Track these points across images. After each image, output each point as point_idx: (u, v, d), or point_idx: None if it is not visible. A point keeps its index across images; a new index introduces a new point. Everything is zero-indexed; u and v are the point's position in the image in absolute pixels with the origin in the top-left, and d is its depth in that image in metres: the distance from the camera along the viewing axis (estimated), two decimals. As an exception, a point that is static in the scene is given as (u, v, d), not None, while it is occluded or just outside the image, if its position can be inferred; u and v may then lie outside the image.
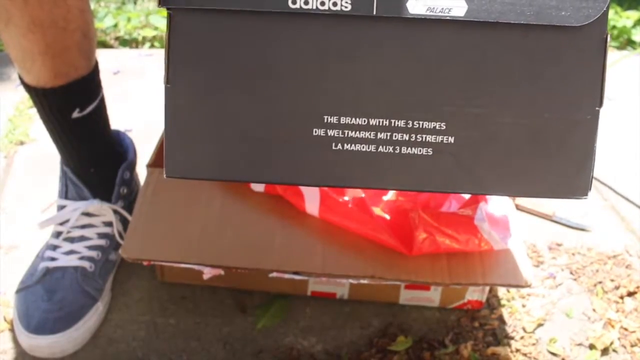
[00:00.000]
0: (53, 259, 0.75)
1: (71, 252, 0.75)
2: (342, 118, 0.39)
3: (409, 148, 0.40)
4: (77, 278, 0.74)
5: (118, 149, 0.83)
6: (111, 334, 0.74)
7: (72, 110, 0.72)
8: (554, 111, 0.39)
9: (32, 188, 0.97)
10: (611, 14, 1.67)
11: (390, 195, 0.72)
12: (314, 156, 0.40)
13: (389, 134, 0.40)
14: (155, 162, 0.75)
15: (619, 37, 1.63)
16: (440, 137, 0.40)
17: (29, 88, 0.70)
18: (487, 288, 0.78)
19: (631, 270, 0.87)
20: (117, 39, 1.55)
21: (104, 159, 0.80)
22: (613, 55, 1.55)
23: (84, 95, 0.73)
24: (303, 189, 0.68)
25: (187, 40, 0.39)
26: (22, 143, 1.09)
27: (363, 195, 0.69)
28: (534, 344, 0.76)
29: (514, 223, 0.68)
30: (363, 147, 0.40)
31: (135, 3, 1.76)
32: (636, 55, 1.56)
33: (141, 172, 0.84)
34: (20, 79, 0.71)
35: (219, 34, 0.39)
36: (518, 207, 0.97)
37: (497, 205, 0.68)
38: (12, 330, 0.74)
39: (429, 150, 0.40)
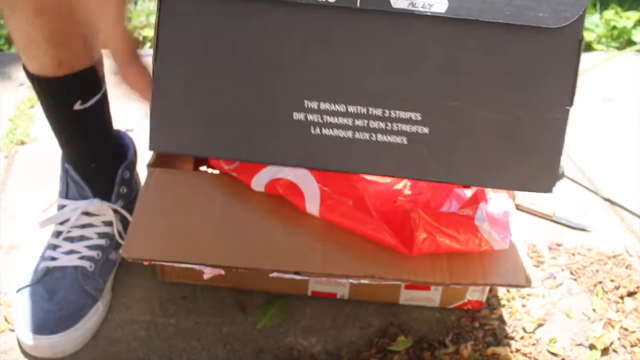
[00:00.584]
0: (53, 259, 0.75)
1: (71, 251, 0.76)
2: (321, 103, 0.41)
3: (385, 136, 0.41)
4: (77, 278, 0.74)
5: (119, 148, 0.83)
6: (111, 334, 0.74)
7: (74, 102, 0.72)
8: (526, 108, 0.40)
9: (33, 188, 0.97)
10: (611, 14, 1.67)
11: (390, 195, 0.72)
12: (293, 139, 0.41)
13: (366, 121, 0.41)
14: (156, 162, 0.75)
15: (619, 37, 1.63)
16: (416, 127, 0.41)
17: (32, 77, 0.71)
18: (487, 288, 0.78)
19: (631, 271, 0.87)
20: (117, 39, 1.55)
21: (105, 155, 0.80)
22: (613, 56, 1.55)
23: (86, 87, 0.73)
24: (303, 189, 0.68)
25: (176, 22, 0.40)
26: (22, 143, 1.09)
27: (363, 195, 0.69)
28: (534, 344, 0.76)
29: (514, 223, 0.68)
30: (341, 133, 0.41)
31: (136, 3, 1.77)
32: (635, 54, 1.56)
33: (141, 172, 0.84)
34: (25, 69, 0.71)
35: (207, 18, 0.40)
36: (518, 207, 0.97)
37: (497, 205, 0.68)
38: (12, 330, 0.74)
39: (404, 139, 0.41)
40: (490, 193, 0.69)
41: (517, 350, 0.74)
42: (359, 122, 0.41)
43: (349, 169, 0.43)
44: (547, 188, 0.42)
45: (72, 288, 0.73)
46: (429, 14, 0.39)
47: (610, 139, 1.19)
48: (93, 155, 0.78)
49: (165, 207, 0.70)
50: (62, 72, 0.69)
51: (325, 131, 0.42)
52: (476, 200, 0.67)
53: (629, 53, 1.55)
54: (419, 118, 0.41)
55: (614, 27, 1.64)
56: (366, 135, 0.42)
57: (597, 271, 0.87)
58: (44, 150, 1.07)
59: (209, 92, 0.41)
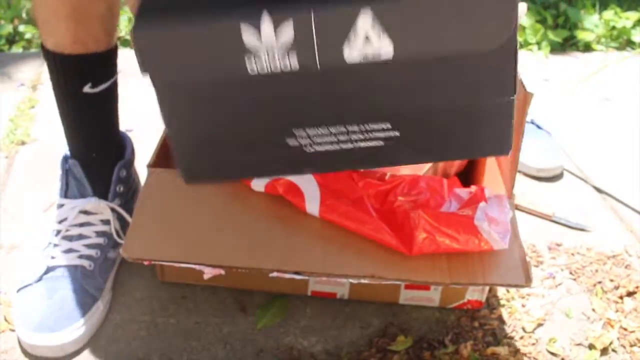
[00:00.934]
0: (53, 258, 0.75)
1: (70, 250, 0.76)
2: (307, 129, 0.49)
3: (364, 142, 0.50)
4: (77, 277, 0.74)
5: (118, 144, 0.84)
6: (112, 333, 0.74)
7: (85, 84, 0.74)
8: (478, 100, 0.47)
9: (33, 188, 0.97)
10: (610, 14, 1.67)
11: (390, 195, 0.72)
12: (292, 157, 0.51)
13: (346, 136, 0.50)
14: (156, 162, 0.75)
15: (619, 37, 1.63)
16: (388, 132, 0.49)
17: (48, 55, 0.73)
18: (487, 288, 0.78)
19: (630, 270, 0.87)
20: (118, 39, 1.55)
21: (106, 146, 0.81)
22: (613, 56, 1.55)
23: (98, 71, 0.75)
24: (303, 189, 0.68)
25: (175, 101, 0.50)
26: (23, 143, 1.10)
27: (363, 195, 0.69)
28: (533, 344, 0.76)
29: (514, 223, 0.68)
30: (329, 147, 0.50)
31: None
32: (634, 55, 1.56)
33: (142, 172, 0.85)
34: (42, 48, 0.74)
35: (199, 102, 0.49)
36: (518, 207, 0.97)
37: (496, 205, 0.68)
38: (13, 330, 0.74)
39: (380, 142, 0.50)
40: (489, 193, 0.69)
41: (517, 350, 0.75)
42: (341, 137, 0.50)
43: (340, 169, 0.53)
44: (505, 151, 0.50)
45: (73, 287, 0.74)
46: (379, 61, 0.45)
47: (609, 139, 1.19)
48: (95, 143, 0.79)
49: (165, 207, 0.70)
50: (77, 50, 0.72)
51: (316, 148, 0.50)
52: (476, 200, 0.67)
53: (628, 53, 1.55)
54: (389, 126, 0.49)
55: (614, 28, 1.64)
56: (350, 145, 0.50)
57: (596, 271, 0.87)
58: (45, 150, 1.07)
59: (219, 133, 0.50)
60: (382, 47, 0.44)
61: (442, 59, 0.45)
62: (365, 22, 0.43)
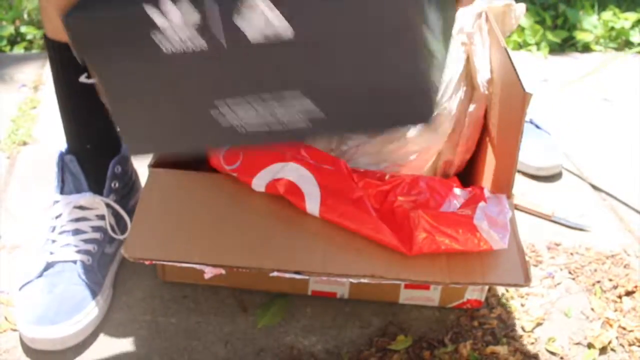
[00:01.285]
0: (52, 254, 0.76)
1: (68, 245, 0.76)
2: (226, 99, 0.53)
3: (292, 124, 0.53)
4: (76, 271, 0.75)
5: (114, 140, 0.84)
6: (113, 333, 0.75)
7: (81, 73, 0.75)
8: (389, 73, 0.50)
9: (35, 188, 0.98)
10: (609, 15, 1.67)
11: (390, 195, 0.73)
12: (216, 130, 0.54)
13: (263, 103, 0.52)
14: (157, 162, 0.75)
15: (617, 38, 1.63)
16: (313, 115, 0.52)
17: (48, 43, 0.76)
18: (487, 287, 0.78)
19: (629, 270, 0.87)
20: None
21: (101, 139, 0.82)
22: (610, 55, 1.55)
23: None
24: (304, 189, 0.69)
25: (117, 84, 0.54)
26: (25, 143, 1.10)
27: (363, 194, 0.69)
28: (532, 343, 0.76)
29: (513, 223, 0.69)
30: (252, 120, 0.53)
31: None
32: (633, 55, 1.56)
33: (143, 171, 0.85)
34: (44, 36, 0.76)
35: (131, 80, 0.53)
36: (517, 207, 0.97)
37: (496, 205, 0.69)
38: (14, 329, 0.74)
39: (308, 123, 0.53)
40: (489, 193, 0.69)
41: (516, 350, 0.75)
42: (259, 107, 0.53)
43: (266, 142, 0.56)
44: (427, 119, 0.52)
45: (72, 281, 0.74)
46: (280, 41, 0.48)
47: (609, 138, 1.20)
48: (89, 136, 0.81)
49: (166, 207, 0.70)
50: None
51: (240, 121, 0.53)
52: (475, 200, 0.68)
53: (628, 55, 1.55)
54: (300, 94, 0.51)
55: (612, 28, 1.64)
56: (280, 127, 0.53)
57: (595, 270, 0.87)
58: (46, 150, 1.07)
59: (152, 108, 0.54)
60: (282, 28, 0.47)
61: (345, 40, 0.47)
62: (262, 3, 0.46)
